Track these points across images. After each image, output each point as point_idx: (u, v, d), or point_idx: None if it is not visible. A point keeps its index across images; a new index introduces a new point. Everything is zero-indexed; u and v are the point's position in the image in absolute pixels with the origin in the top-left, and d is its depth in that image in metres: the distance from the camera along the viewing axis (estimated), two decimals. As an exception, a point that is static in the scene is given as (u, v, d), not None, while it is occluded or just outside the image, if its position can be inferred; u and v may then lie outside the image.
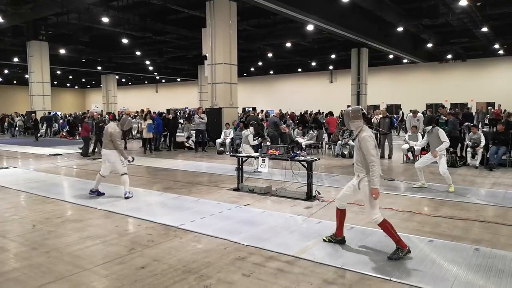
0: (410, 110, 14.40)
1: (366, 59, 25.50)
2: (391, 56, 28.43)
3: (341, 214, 4.41)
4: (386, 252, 4.10)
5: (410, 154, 11.13)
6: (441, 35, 24.25)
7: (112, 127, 6.79)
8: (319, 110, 25.62)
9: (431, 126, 7.22)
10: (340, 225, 4.40)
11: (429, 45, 24.84)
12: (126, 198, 6.65)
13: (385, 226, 4.02)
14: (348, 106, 28.78)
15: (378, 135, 11.78)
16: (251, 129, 9.69)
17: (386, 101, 32.18)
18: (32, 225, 5.23)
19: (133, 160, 7.01)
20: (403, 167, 10.39)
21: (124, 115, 7.74)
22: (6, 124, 26.49)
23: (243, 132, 9.77)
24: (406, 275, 3.58)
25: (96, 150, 13.52)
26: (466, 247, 4.26)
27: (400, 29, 19.91)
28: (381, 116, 11.86)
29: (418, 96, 30.92)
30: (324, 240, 4.46)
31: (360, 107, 4.32)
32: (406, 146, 10.93)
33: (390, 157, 11.61)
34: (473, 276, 3.56)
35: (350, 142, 11.99)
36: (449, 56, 29.22)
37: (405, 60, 30.05)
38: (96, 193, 6.91)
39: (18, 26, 21.40)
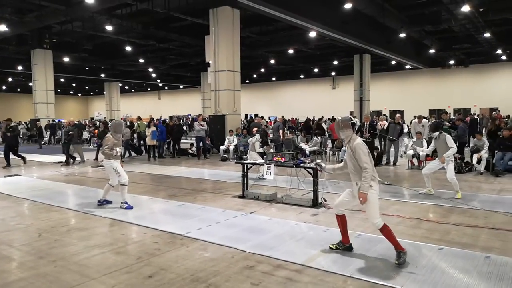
0: (414, 116, 14.36)
1: (369, 65, 25.56)
2: (393, 62, 28.50)
3: (342, 220, 4.41)
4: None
5: (415, 160, 11.08)
6: (444, 41, 24.31)
7: (107, 135, 6.69)
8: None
9: (438, 132, 7.13)
10: (344, 231, 4.40)
11: (432, 51, 24.89)
12: (125, 208, 6.45)
13: (386, 230, 4.05)
14: (351, 112, 28.80)
15: (382, 141, 11.75)
16: (257, 136, 9.68)
17: (388, 107, 32.16)
18: (38, 233, 5.21)
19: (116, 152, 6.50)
20: (408, 173, 10.33)
21: (115, 120, 7.24)
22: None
23: (250, 139, 9.73)
24: (418, 284, 3.52)
25: (70, 160, 12.85)
26: (476, 255, 4.21)
27: (402, 35, 19.98)
28: (387, 122, 11.81)
29: (421, 102, 30.92)
30: (331, 248, 4.42)
31: (350, 116, 4.39)
32: (411, 152, 10.89)
33: (395, 163, 11.55)
34: (485, 285, 3.50)
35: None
36: (452, 62, 29.26)
37: (407, 66, 30.11)
38: (104, 202, 6.81)
39: (23, 35, 21.58)
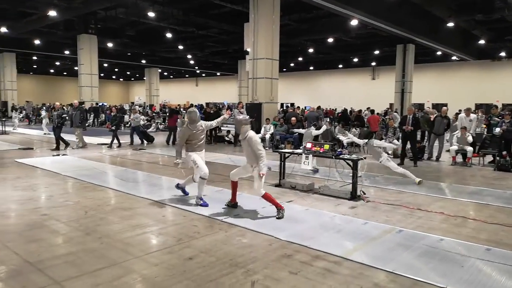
0: (459, 110, 13.70)
1: (412, 56, 24.53)
2: (438, 53, 27.15)
3: (234, 185, 5.72)
4: (440, 258, 3.93)
5: (458, 157, 10.59)
6: (495, 31, 22.82)
7: (184, 126, 6.12)
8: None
9: (367, 140, 8.10)
10: (233, 194, 5.73)
11: (481, 41, 23.46)
12: (199, 205, 5.82)
13: (267, 196, 5.29)
14: (391, 105, 27.90)
15: (425, 134, 11.31)
16: (313, 128, 9.91)
17: (431, 100, 30.86)
18: (84, 211, 5.47)
19: (179, 163, 5.98)
20: (452, 169, 9.89)
21: (192, 108, 6.41)
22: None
23: (307, 130, 9.89)
24: (463, 285, 3.39)
25: (63, 147, 12.25)
26: (528, 258, 3.98)
27: (450, 24, 18.93)
28: (435, 115, 11.29)
29: (467, 95, 29.40)
30: (226, 205, 5.73)
31: (248, 116, 5.90)
32: (455, 147, 10.43)
33: (438, 158, 11.09)
34: (539, 290, 3.31)
35: (395, 141, 11.58)
36: (503, 54, 27.50)
37: (454, 57, 28.60)
38: (181, 190, 6.43)
39: (70, 20, 22.41)
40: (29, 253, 3.93)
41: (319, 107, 23.41)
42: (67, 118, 13.02)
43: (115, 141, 13.63)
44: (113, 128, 13.70)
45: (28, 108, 28.03)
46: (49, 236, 4.49)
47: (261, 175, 5.25)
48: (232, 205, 5.72)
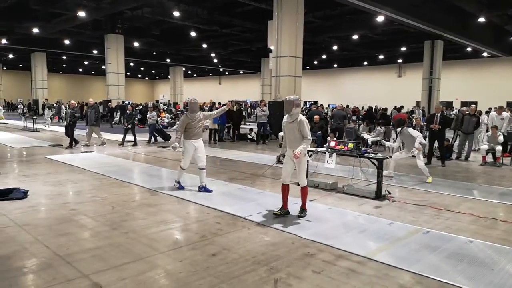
0: (490, 108, 13.22)
1: (441, 52, 23.82)
2: (468, 49, 26.26)
3: (286, 190, 5.29)
4: (469, 260, 3.81)
5: (489, 157, 10.22)
6: (529, 26, 21.87)
7: (183, 115, 6.74)
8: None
9: (400, 128, 7.93)
10: (285, 200, 5.30)
11: (515, 37, 22.57)
12: (177, 187, 6.64)
13: (305, 190, 5.25)
14: (417, 102, 27.24)
15: (456, 133, 10.97)
16: None
17: (460, 98, 29.93)
18: (111, 206, 5.61)
19: (175, 148, 6.44)
20: (481, 169, 9.55)
21: (193, 98, 6.68)
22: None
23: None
24: (494, 289, 3.28)
25: (74, 144, 12.25)
26: None
27: (481, 19, 18.27)
28: (467, 113, 10.91)
29: (498, 93, 28.32)
30: (275, 214, 5.19)
31: (298, 96, 5.24)
32: (485, 146, 10.08)
33: (467, 158, 10.75)
34: None
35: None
36: (537, 50, 26.31)
37: (484, 54, 27.61)
38: (203, 189, 6.59)
39: (98, 20, 23.00)
40: (59, 246, 4.07)
41: (347, 106, 23.19)
42: (78, 115, 13.06)
43: (126, 137, 13.45)
44: (129, 126, 13.35)
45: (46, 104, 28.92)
46: (78, 230, 4.63)
47: (296, 155, 4.86)
48: (285, 212, 5.23)
